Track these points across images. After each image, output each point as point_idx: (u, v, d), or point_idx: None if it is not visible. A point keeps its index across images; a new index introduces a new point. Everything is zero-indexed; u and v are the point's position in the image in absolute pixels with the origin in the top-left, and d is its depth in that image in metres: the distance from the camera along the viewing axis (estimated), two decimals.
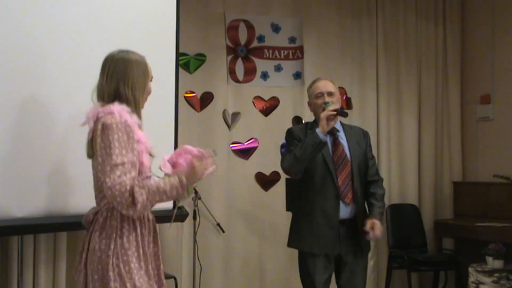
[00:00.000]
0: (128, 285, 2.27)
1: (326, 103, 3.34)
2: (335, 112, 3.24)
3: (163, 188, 2.23)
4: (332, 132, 3.36)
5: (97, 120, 2.31)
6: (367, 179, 3.48)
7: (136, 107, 2.39)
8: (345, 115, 3.33)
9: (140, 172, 2.31)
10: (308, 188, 3.35)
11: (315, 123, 3.45)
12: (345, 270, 3.38)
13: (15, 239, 3.35)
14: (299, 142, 3.33)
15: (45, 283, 3.61)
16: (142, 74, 2.43)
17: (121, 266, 2.27)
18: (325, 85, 3.43)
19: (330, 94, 3.40)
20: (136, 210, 2.20)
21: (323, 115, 3.23)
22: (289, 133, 3.47)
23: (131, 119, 2.32)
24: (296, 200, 3.50)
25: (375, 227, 3.31)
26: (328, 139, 3.34)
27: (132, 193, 2.19)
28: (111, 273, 2.25)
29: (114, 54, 2.42)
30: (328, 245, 3.31)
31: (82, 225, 2.42)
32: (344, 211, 3.33)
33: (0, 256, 3.48)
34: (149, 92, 2.50)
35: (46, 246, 3.60)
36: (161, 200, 2.26)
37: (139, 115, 2.41)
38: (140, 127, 2.38)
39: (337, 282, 3.45)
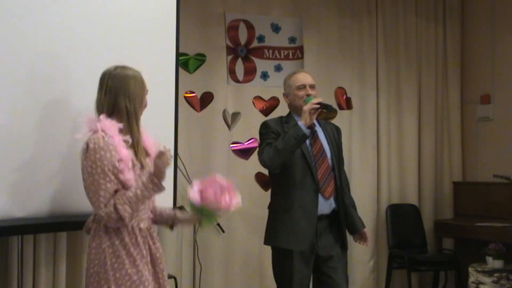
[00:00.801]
0: None
1: (308, 96, 3.31)
2: (318, 106, 3.19)
3: (140, 193, 2.33)
4: (310, 127, 3.27)
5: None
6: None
7: (135, 119, 2.44)
8: (329, 108, 3.29)
9: (126, 189, 2.37)
10: (287, 183, 3.31)
11: (290, 115, 3.43)
12: (326, 267, 3.31)
13: (15, 239, 3.35)
14: (276, 135, 3.29)
15: (45, 283, 3.60)
16: (140, 88, 2.48)
17: (115, 274, 2.34)
18: (307, 77, 3.40)
19: (312, 86, 3.37)
20: (126, 223, 2.34)
21: (306, 108, 3.17)
22: (265, 126, 3.40)
23: (118, 136, 2.36)
24: (273, 196, 3.46)
25: (366, 237, 3.46)
26: None
27: (116, 211, 2.29)
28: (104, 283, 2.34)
29: (111, 70, 2.47)
30: (306, 241, 3.25)
31: (85, 232, 2.50)
32: (323, 206, 3.29)
33: (0, 256, 3.48)
34: (145, 106, 2.54)
35: (46, 246, 3.59)
36: (143, 202, 2.38)
37: (138, 126, 2.46)
38: (129, 142, 2.41)
39: (318, 280, 3.37)
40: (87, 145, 2.34)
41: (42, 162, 2.87)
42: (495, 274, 4.62)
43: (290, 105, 3.45)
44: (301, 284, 3.28)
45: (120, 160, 2.34)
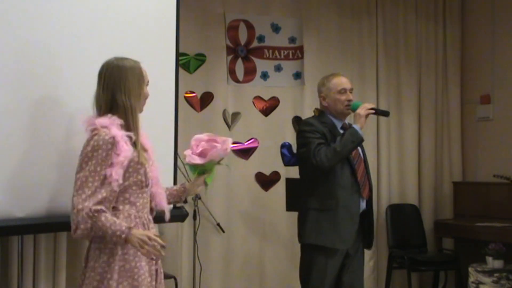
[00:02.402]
0: None
1: (350, 101, 3.40)
2: (373, 111, 3.34)
3: (106, 228, 2.28)
4: (346, 128, 3.40)
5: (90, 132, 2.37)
6: None
7: (132, 114, 2.43)
8: (386, 114, 3.50)
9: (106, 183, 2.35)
10: (332, 183, 3.35)
11: (325, 116, 3.45)
12: (351, 265, 3.39)
13: (15, 239, 3.35)
14: (321, 135, 3.33)
15: (45, 283, 3.60)
16: (137, 80, 2.46)
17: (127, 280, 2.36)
18: (347, 82, 3.46)
19: (351, 91, 3.45)
20: (76, 235, 2.33)
21: (363, 112, 3.30)
22: (309, 124, 3.42)
23: (119, 132, 2.35)
24: (313, 196, 3.43)
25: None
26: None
27: (78, 218, 2.29)
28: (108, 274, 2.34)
29: (109, 63, 2.46)
30: (350, 241, 3.34)
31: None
32: (362, 206, 3.39)
33: (0, 256, 3.48)
34: (146, 97, 2.52)
35: (46, 246, 3.60)
36: (102, 235, 2.33)
37: (136, 122, 2.44)
38: (132, 138, 2.40)
39: (341, 277, 3.42)
40: (88, 141, 2.34)
41: (42, 162, 2.87)
42: (495, 274, 4.62)
43: (326, 107, 3.47)
44: (330, 284, 3.35)
45: (117, 155, 2.33)
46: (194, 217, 4.61)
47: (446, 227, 5.40)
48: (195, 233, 4.65)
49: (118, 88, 2.40)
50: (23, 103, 2.83)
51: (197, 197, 4.59)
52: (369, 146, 5.47)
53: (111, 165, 2.32)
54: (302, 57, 5.28)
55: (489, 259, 4.69)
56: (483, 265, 4.73)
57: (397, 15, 5.64)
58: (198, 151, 2.61)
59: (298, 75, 5.25)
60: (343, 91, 3.40)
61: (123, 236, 2.28)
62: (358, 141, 3.29)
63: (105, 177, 2.30)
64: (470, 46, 5.82)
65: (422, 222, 5.50)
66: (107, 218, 2.30)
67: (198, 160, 2.58)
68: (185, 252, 4.78)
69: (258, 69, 5.17)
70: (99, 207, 2.29)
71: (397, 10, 5.64)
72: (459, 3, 5.87)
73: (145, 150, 2.51)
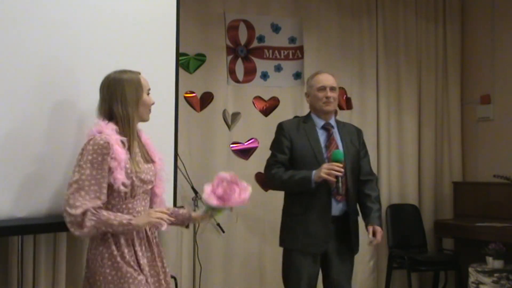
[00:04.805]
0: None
1: (328, 98, 3.35)
2: (335, 179, 3.16)
3: (111, 222, 2.37)
4: (327, 128, 3.35)
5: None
6: (360, 178, 3.46)
7: (128, 122, 2.49)
8: (337, 188, 3.21)
9: (111, 188, 2.42)
10: None
11: (309, 116, 3.45)
12: (332, 268, 3.35)
13: (15, 239, 3.35)
14: (288, 140, 3.34)
15: (45, 283, 3.61)
16: (135, 90, 2.52)
17: (112, 272, 2.41)
18: (328, 79, 3.42)
19: (332, 89, 3.40)
20: (82, 233, 2.37)
21: (327, 170, 3.15)
22: (279, 128, 3.43)
23: (115, 136, 2.42)
24: (287, 199, 3.47)
25: (377, 233, 3.32)
26: (323, 135, 3.35)
27: (83, 216, 2.34)
28: (101, 278, 2.40)
29: (108, 76, 2.55)
30: (321, 243, 3.29)
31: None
32: (336, 209, 3.31)
33: (0, 256, 3.48)
34: (148, 104, 2.58)
35: (46, 246, 3.60)
36: (107, 231, 2.40)
37: (132, 129, 2.51)
38: (125, 143, 2.46)
39: (324, 281, 3.42)
40: (84, 145, 2.43)
41: (42, 163, 2.87)
42: (495, 274, 4.62)
43: (310, 106, 3.47)
44: (309, 284, 3.31)
45: (113, 159, 2.39)
46: None
47: (446, 227, 5.40)
48: (195, 233, 4.65)
49: (114, 99, 2.49)
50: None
51: (197, 197, 4.59)
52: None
53: (110, 170, 2.38)
54: (302, 57, 5.28)
55: (489, 259, 4.69)
56: (483, 265, 4.73)
57: (397, 15, 5.65)
58: (218, 191, 2.63)
59: (298, 75, 5.25)
60: (322, 88, 3.38)
61: (132, 222, 2.37)
62: (306, 189, 3.23)
63: (100, 183, 2.37)
64: (470, 46, 5.82)
65: (422, 222, 5.50)
66: (109, 212, 2.39)
67: (215, 202, 2.63)
68: (185, 252, 4.78)
69: (258, 69, 5.17)
70: (99, 206, 2.38)
71: (397, 10, 5.64)
72: (459, 3, 5.87)
73: (152, 161, 2.59)
